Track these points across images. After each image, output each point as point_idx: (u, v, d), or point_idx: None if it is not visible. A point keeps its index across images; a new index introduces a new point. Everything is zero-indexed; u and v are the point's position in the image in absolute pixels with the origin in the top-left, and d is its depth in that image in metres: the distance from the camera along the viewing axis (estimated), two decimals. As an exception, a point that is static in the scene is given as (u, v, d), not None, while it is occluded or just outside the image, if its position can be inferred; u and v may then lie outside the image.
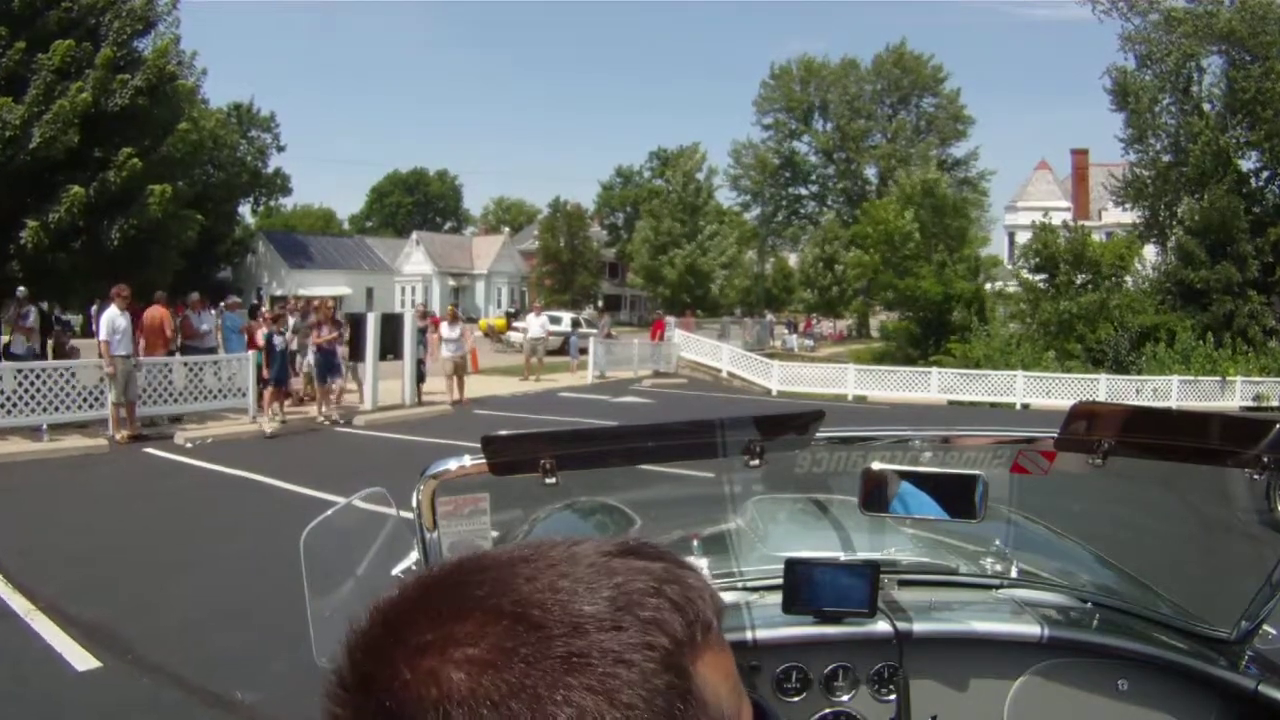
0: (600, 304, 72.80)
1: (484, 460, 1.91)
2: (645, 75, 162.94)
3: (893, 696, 2.09)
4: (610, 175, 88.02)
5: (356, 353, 19.08)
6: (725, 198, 74.18)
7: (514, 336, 39.98)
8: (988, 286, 37.81)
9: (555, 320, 40.32)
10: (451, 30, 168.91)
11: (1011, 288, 37.35)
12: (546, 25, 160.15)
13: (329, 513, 2.08)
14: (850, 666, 2.10)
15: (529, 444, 1.96)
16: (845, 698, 2.10)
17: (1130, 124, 34.48)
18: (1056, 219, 37.84)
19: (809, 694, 2.09)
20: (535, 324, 29.45)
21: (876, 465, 2.09)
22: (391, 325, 20.10)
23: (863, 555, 2.33)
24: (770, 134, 79.05)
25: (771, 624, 2.09)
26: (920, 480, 2.06)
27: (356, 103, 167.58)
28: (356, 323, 19.65)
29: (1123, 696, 2.07)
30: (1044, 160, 52.84)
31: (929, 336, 37.04)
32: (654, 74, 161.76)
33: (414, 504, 2.01)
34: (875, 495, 2.08)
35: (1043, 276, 34.84)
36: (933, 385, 30.01)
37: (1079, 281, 33.69)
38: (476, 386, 23.73)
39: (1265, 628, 2.17)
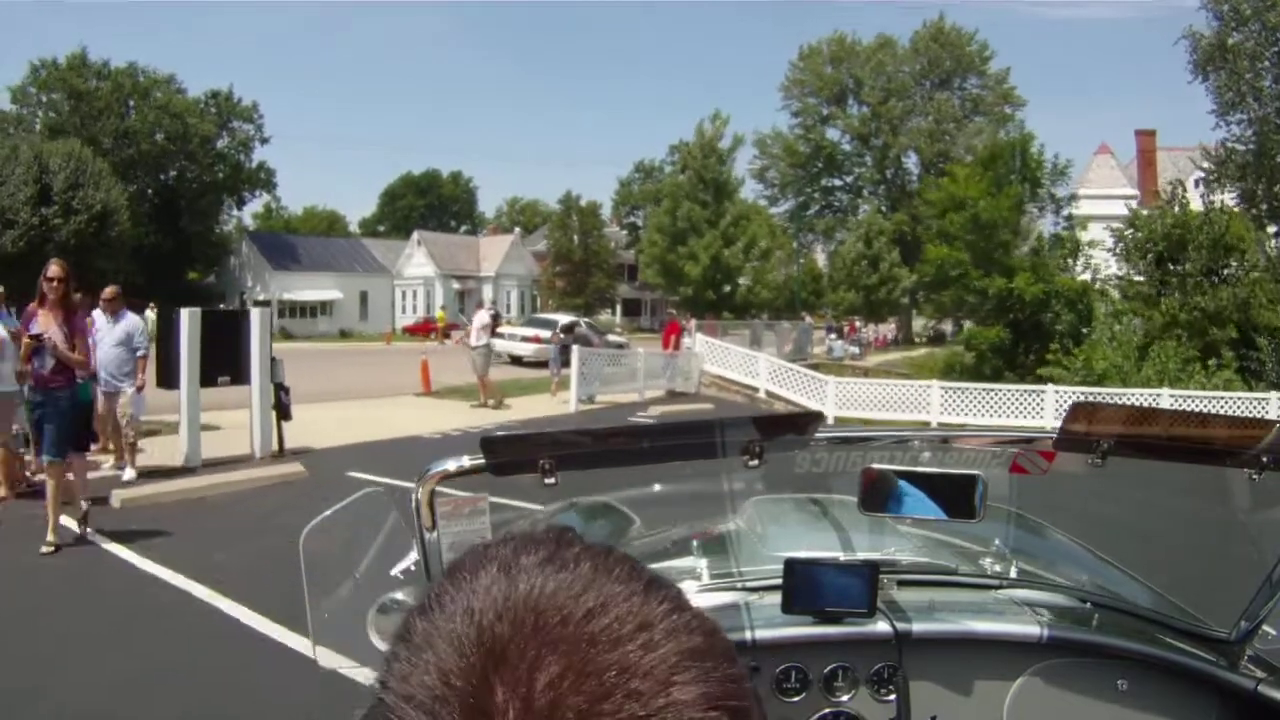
0: (617, 308, 69.87)
1: (483, 460, 1.90)
2: (668, 71, 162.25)
3: (892, 696, 2.11)
4: (629, 171, 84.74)
5: (167, 375, 12.71)
6: (751, 190, 69.51)
7: (498, 345, 31.22)
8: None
9: (544, 324, 35.05)
10: (466, 29, 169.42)
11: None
12: (563, 22, 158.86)
13: (328, 512, 2.10)
14: (850, 666, 2.11)
15: (528, 444, 1.98)
16: (845, 698, 2.11)
17: (1226, 88, 29.18)
18: (1120, 208, 33.26)
19: (809, 694, 2.10)
20: (475, 327, 21.92)
21: (876, 465, 2.10)
22: (227, 331, 13.41)
23: (862, 555, 2.34)
24: (798, 121, 73.89)
25: (771, 624, 2.10)
26: (920, 480, 2.07)
27: (369, 104, 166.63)
28: (168, 328, 12.99)
29: (1123, 696, 2.09)
30: (1105, 144, 45.19)
31: (1021, 345, 30.39)
32: (677, 70, 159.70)
33: (413, 504, 2.00)
34: (875, 495, 2.10)
35: (1141, 268, 29.16)
36: (1048, 409, 23.17)
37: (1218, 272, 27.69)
38: (407, 419, 18.05)
39: (1265, 628, 2.18)
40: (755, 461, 1.94)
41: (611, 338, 37.92)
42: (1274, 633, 2.20)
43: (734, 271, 55.43)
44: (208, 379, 12.75)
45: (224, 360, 12.94)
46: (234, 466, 12.48)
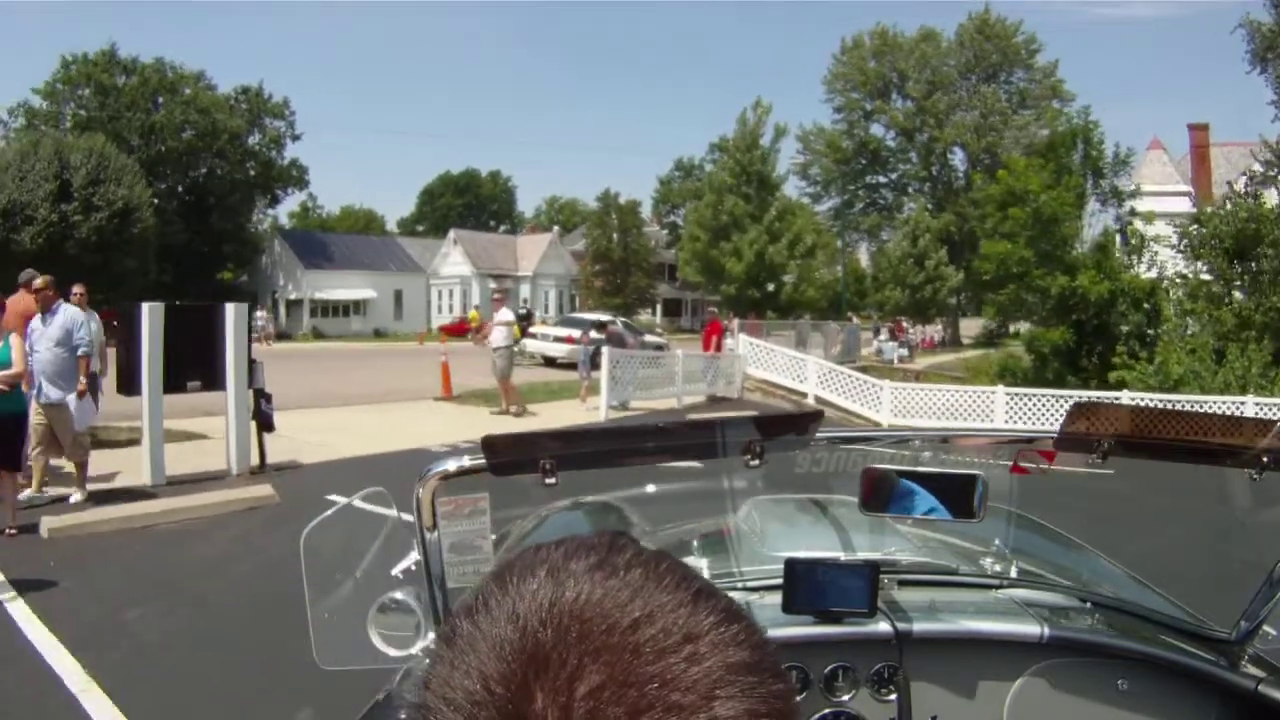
0: (657, 308, 68.96)
1: (483, 460, 1.93)
2: (708, 68, 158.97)
3: (893, 696, 2.13)
4: (669, 169, 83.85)
5: (128, 379, 11.21)
6: (794, 188, 67.51)
7: (530, 346, 31.61)
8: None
9: (578, 323, 31.75)
10: (506, 28, 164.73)
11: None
12: (603, 20, 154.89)
13: (328, 513, 2.14)
14: (850, 666, 2.13)
15: (529, 444, 2.00)
16: (845, 698, 2.13)
17: None
18: (1174, 205, 31.63)
19: (809, 694, 2.12)
20: (498, 324, 19.28)
21: (876, 465, 2.14)
22: (198, 330, 11.78)
23: (863, 555, 2.36)
24: (841, 116, 72.46)
25: (771, 624, 2.05)
26: (920, 480, 2.10)
27: (408, 104, 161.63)
28: (128, 326, 11.46)
29: (1123, 696, 2.11)
30: (1156, 139, 42.90)
31: (1084, 347, 27.81)
32: (718, 66, 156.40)
33: (414, 504, 2.04)
34: (875, 495, 2.13)
35: (1209, 265, 26.71)
36: (1125, 418, 18.60)
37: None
38: (418, 428, 15.81)
39: (1265, 628, 2.20)
40: (756, 461, 1.95)
41: (650, 338, 36.14)
42: (1274, 633, 2.19)
43: (778, 269, 53.05)
44: (174, 384, 11.17)
45: (194, 362, 11.38)
46: (202, 486, 10.90)
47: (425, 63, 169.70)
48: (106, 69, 56.22)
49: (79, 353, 9.64)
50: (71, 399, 9.56)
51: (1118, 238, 29.00)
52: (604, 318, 34.24)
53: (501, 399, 18.93)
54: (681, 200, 76.83)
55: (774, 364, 26.69)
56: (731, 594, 1.88)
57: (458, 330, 49.27)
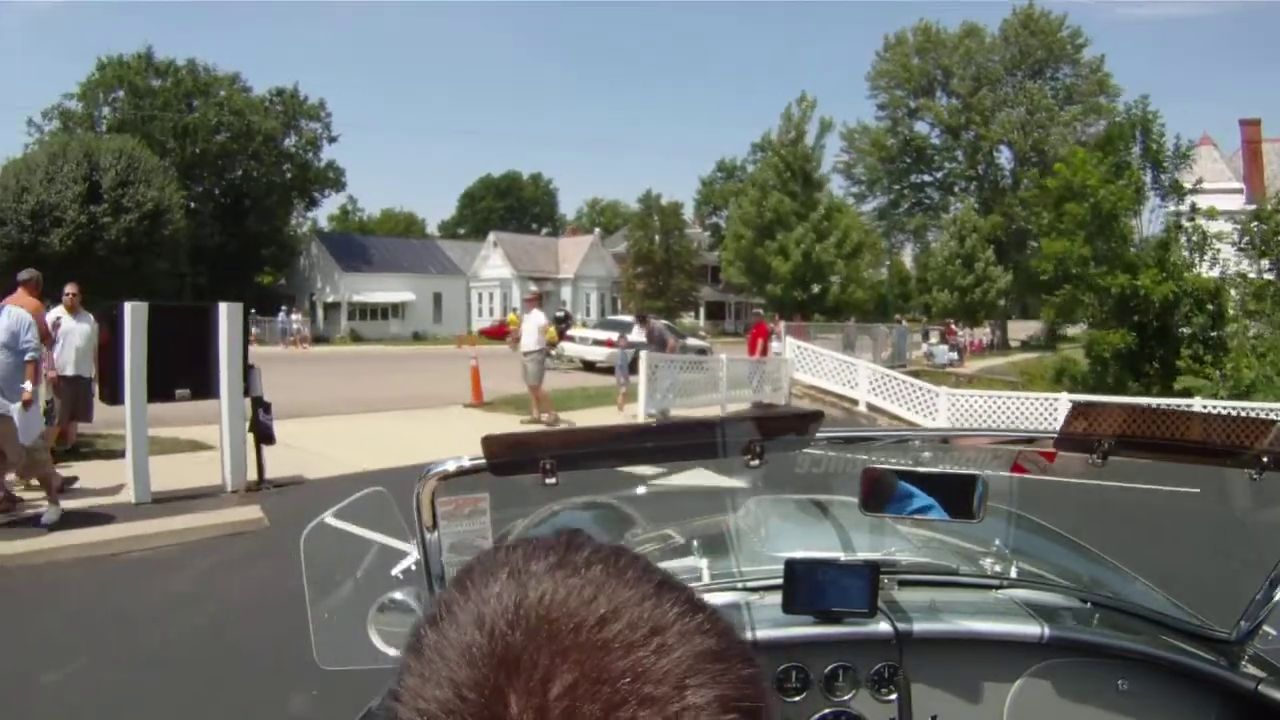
0: (700, 311, 68.36)
1: (483, 460, 1.91)
2: (750, 68, 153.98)
3: (893, 696, 2.12)
4: (711, 170, 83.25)
5: (112, 389, 10.24)
6: (838, 187, 66.42)
7: (568, 349, 31.20)
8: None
9: (618, 325, 31.28)
10: (545, 30, 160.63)
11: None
12: (643, 20, 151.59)
13: (328, 513, 2.13)
14: (850, 666, 2.12)
15: (529, 444, 1.99)
16: (846, 697, 2.13)
17: None
18: (1228, 202, 30.28)
19: (809, 694, 2.12)
20: (530, 327, 18.30)
21: (876, 465, 2.14)
22: (188, 333, 10.69)
23: (863, 555, 2.36)
24: (885, 113, 70.83)
25: (771, 624, 2.11)
26: (920, 480, 2.10)
27: (448, 106, 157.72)
28: (112, 328, 10.37)
29: (1123, 696, 2.11)
30: (1206, 135, 40.95)
31: (1145, 350, 26.59)
32: (759, 66, 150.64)
33: (414, 504, 2.02)
34: (875, 495, 2.12)
35: (1270, 263, 26.07)
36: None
37: None
38: (440, 438, 14.10)
39: (1266, 628, 2.20)
40: (756, 461, 1.93)
41: (692, 341, 34.65)
42: (1274, 633, 2.19)
43: (826, 268, 52.16)
44: (161, 392, 10.20)
45: (184, 368, 10.37)
46: (189, 505, 9.83)
47: (465, 65, 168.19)
48: (141, 72, 56.13)
49: (25, 358, 8.60)
50: (15, 409, 8.47)
51: (1180, 235, 27.57)
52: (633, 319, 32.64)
53: (532, 406, 17.86)
54: (724, 201, 76.15)
55: (823, 369, 25.75)
56: (731, 594, 2.12)
57: (497, 333, 48.43)
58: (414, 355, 40.53)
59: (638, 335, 25.71)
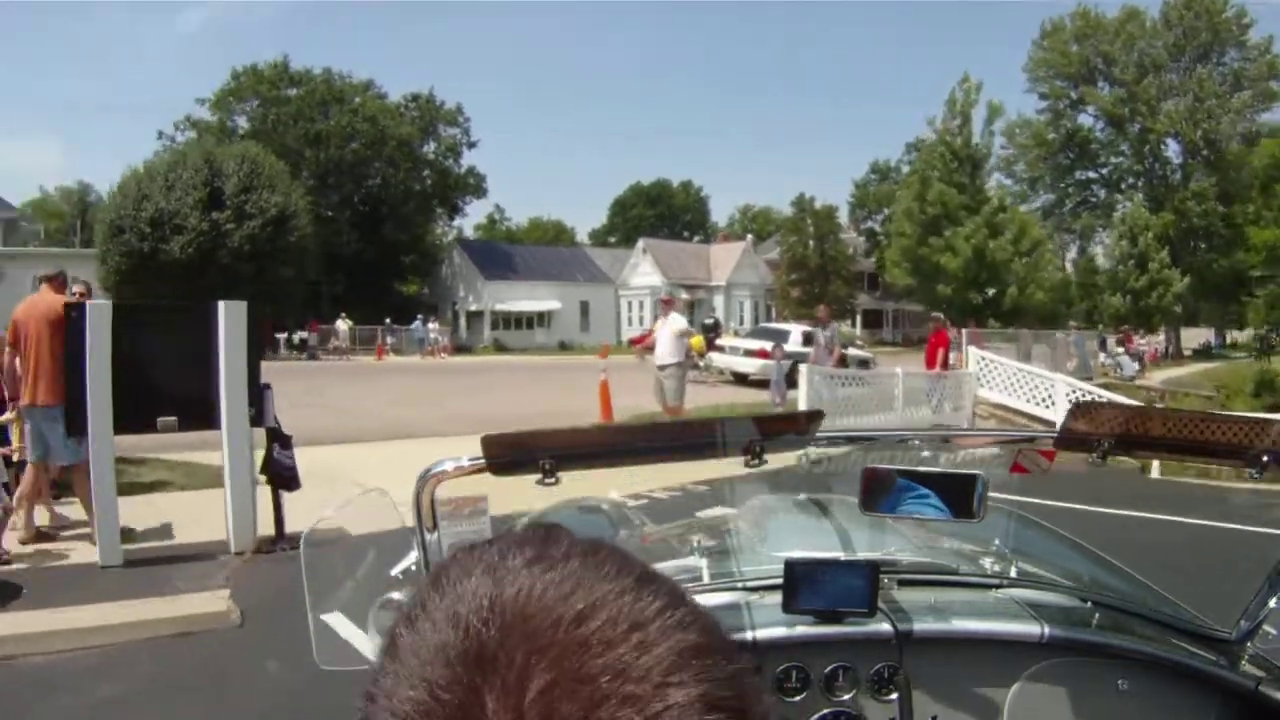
0: (856, 319, 65.56)
1: (483, 460, 1.89)
2: (900, 68, 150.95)
3: (893, 696, 2.10)
4: (864, 173, 79.59)
5: (74, 415, 7.60)
6: (1000, 186, 62.06)
7: (717, 360, 28.33)
8: None
9: (772, 334, 28.09)
10: (692, 33, 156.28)
11: None
12: (789, 22, 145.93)
13: (328, 513, 2.14)
14: (850, 666, 2.10)
15: (528, 443, 1.95)
16: (845, 697, 2.10)
17: None
18: None
19: (809, 694, 2.10)
20: (666, 335, 15.39)
21: (876, 465, 2.12)
22: (174, 342, 8.26)
23: (863, 555, 2.36)
24: (1046, 105, 66.68)
25: (771, 624, 2.09)
26: (920, 480, 2.07)
27: (596, 112, 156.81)
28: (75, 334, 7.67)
29: (1123, 696, 2.09)
30: None
31: None
32: (910, 65, 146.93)
33: (414, 504, 2.01)
34: (875, 495, 2.10)
35: None
36: None
37: None
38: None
39: (1266, 627, 2.19)
40: (756, 461, 1.93)
41: (854, 351, 31.38)
42: (1275, 632, 2.19)
43: (1001, 268, 48.12)
44: (136, 421, 7.81)
45: (170, 389, 8.00)
46: (166, 575, 7.25)
47: (614, 74, 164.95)
48: (275, 81, 56.56)
49: None
50: None
51: None
52: (798, 328, 29.99)
53: None
54: (878, 205, 73.60)
55: (1010, 384, 22.38)
56: (731, 594, 2.15)
57: (644, 342, 45.82)
58: (552, 366, 39.07)
59: (795, 344, 22.85)
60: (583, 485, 2.33)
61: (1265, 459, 1.84)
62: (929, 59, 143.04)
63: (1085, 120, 66.78)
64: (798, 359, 20.55)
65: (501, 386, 25.70)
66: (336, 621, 2.00)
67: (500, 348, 54.50)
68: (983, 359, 23.37)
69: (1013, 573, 2.36)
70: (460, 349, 51.47)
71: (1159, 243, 53.40)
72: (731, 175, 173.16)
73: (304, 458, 9.11)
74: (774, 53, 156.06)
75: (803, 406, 15.85)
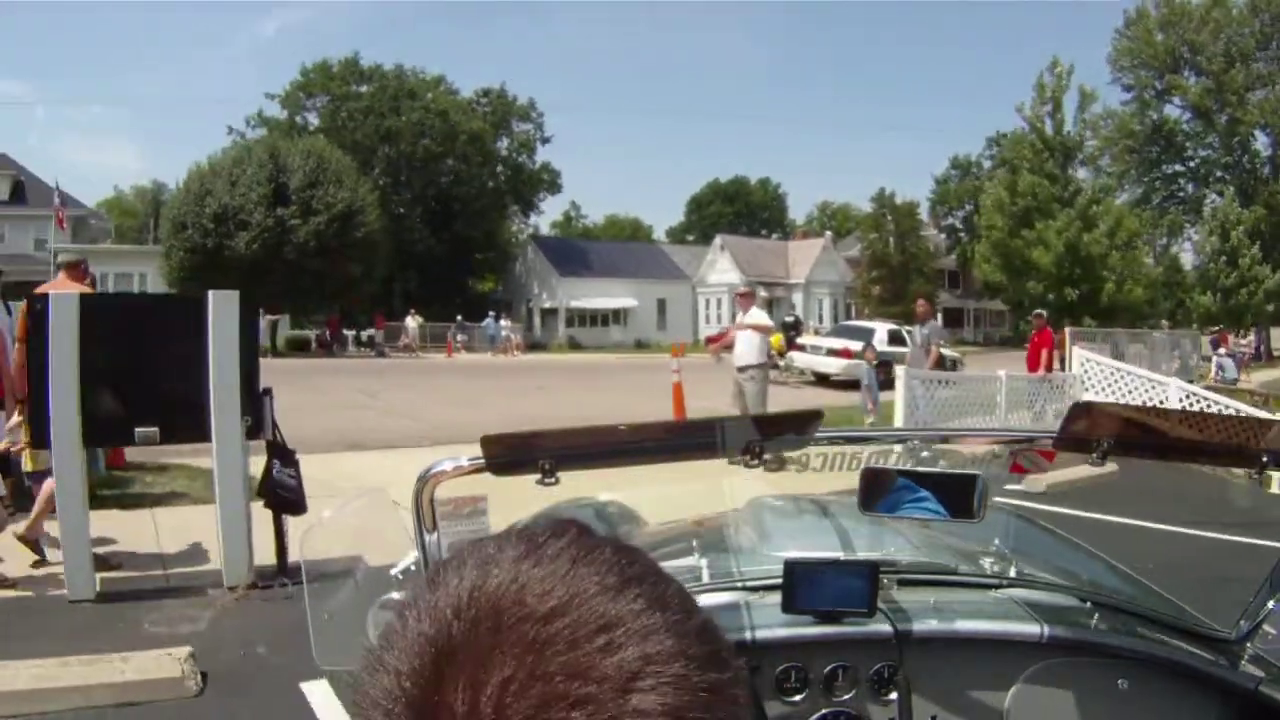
0: (938, 317, 58.83)
1: (482, 460, 1.90)
2: (980, 61, 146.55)
3: (893, 696, 2.13)
4: (945, 169, 77.48)
5: (38, 424, 6.30)
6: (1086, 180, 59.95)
7: (798, 360, 27.69)
8: None
9: (857, 333, 27.15)
10: (771, 30, 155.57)
11: None
12: (867, 18, 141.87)
13: (328, 513, 2.19)
14: (850, 666, 2.12)
15: (528, 443, 1.98)
16: (845, 697, 2.13)
17: None
18: None
19: (809, 694, 2.11)
20: (746, 333, 13.30)
21: (876, 465, 2.15)
22: (156, 340, 6.67)
23: (863, 555, 2.39)
24: (1131, 96, 64.49)
25: (771, 624, 2.11)
26: (920, 480, 2.08)
27: (674, 110, 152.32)
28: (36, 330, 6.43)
29: (1123, 696, 2.10)
30: None
31: None
32: (989, 59, 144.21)
33: (413, 504, 2.01)
34: (875, 495, 2.10)
35: None
36: None
37: None
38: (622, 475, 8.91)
39: (1266, 627, 2.20)
40: (756, 461, 1.94)
41: (945, 352, 28.80)
42: (1275, 632, 2.20)
43: (1096, 263, 46.11)
44: (109, 433, 6.94)
45: (151, 394, 6.69)
46: (139, 613, 6.13)
47: (692, 72, 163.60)
48: (346, 78, 56.69)
49: None
50: None
51: None
52: (883, 326, 29.59)
53: None
54: (959, 201, 72.34)
55: (1115, 386, 19.27)
56: (731, 594, 2.16)
57: (723, 341, 44.69)
58: (627, 365, 37.84)
59: (880, 343, 21.75)
60: (582, 485, 2.33)
61: (1265, 459, 1.86)
62: (1009, 57, 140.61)
63: (1171, 112, 65.02)
64: (885, 359, 19.38)
65: (570, 386, 24.90)
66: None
67: (575, 345, 54.16)
68: (1086, 360, 20.73)
69: (1012, 573, 2.39)
70: (534, 346, 51.24)
71: (1250, 238, 51.79)
72: (810, 172, 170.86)
73: (334, 467, 8.29)
74: (853, 50, 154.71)
75: (899, 411, 14.75)
